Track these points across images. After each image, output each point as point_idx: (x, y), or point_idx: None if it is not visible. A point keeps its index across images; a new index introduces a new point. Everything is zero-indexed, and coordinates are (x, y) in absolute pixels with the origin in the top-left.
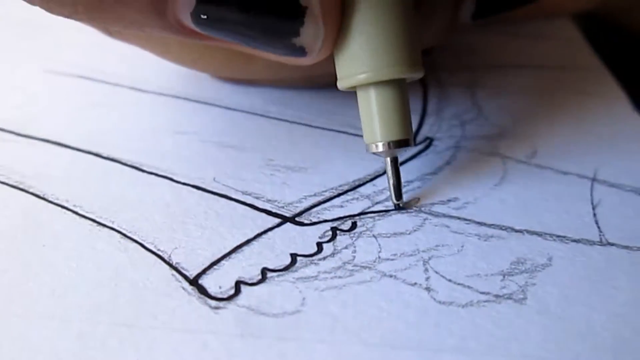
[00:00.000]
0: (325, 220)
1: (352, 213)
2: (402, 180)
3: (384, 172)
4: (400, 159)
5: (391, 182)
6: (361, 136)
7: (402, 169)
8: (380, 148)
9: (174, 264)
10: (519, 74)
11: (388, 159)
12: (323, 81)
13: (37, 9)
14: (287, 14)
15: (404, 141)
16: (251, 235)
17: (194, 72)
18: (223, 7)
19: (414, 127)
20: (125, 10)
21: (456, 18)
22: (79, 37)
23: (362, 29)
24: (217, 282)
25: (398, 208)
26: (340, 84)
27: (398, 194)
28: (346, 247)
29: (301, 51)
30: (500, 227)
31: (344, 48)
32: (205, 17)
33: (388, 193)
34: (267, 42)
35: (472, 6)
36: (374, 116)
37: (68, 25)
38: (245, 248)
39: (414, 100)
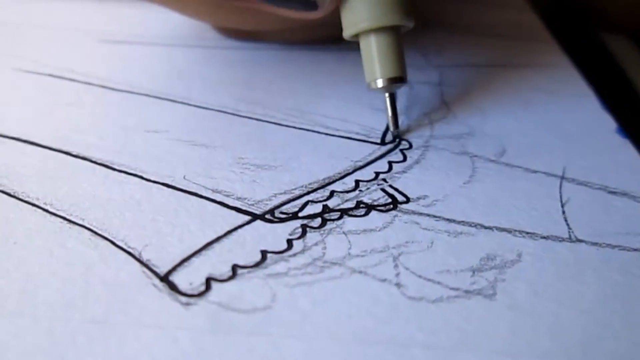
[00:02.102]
0: (295, 218)
1: (321, 210)
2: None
3: (354, 171)
4: (363, 160)
5: (389, 114)
6: (331, 135)
7: (372, 167)
8: (380, 84)
9: (144, 260)
10: (487, 73)
11: (386, 95)
12: (323, 33)
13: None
14: None
15: (400, 78)
16: (221, 233)
17: (163, 69)
18: None
19: (382, 127)
20: None
21: None
22: (48, 35)
23: None
24: (188, 278)
25: (396, 137)
26: (346, 33)
27: (395, 124)
28: (316, 244)
29: (313, 5)
30: (470, 224)
31: (349, 2)
32: None
33: (357, 191)
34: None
35: None
36: (374, 58)
37: (37, 23)
38: (215, 245)
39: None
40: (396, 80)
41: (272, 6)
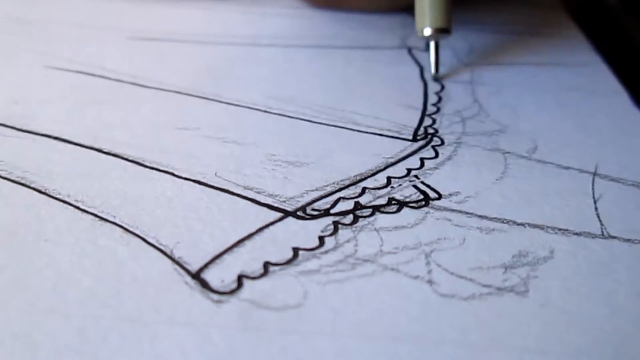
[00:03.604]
0: (327, 214)
1: (353, 207)
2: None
3: (385, 167)
4: (395, 157)
5: (432, 60)
6: (362, 132)
7: (403, 164)
8: (428, 33)
9: (176, 258)
10: (519, 72)
11: (432, 42)
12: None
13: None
14: None
15: (445, 30)
16: (253, 230)
17: (194, 66)
18: None
19: (415, 123)
20: None
21: None
22: (79, 33)
23: None
24: (220, 276)
25: (436, 79)
26: None
27: (436, 68)
28: (348, 241)
29: None
30: (502, 221)
31: None
32: None
33: (389, 188)
34: None
35: None
36: (426, 10)
37: (68, 22)
38: (247, 242)
39: (415, 97)
40: (442, 31)
41: None
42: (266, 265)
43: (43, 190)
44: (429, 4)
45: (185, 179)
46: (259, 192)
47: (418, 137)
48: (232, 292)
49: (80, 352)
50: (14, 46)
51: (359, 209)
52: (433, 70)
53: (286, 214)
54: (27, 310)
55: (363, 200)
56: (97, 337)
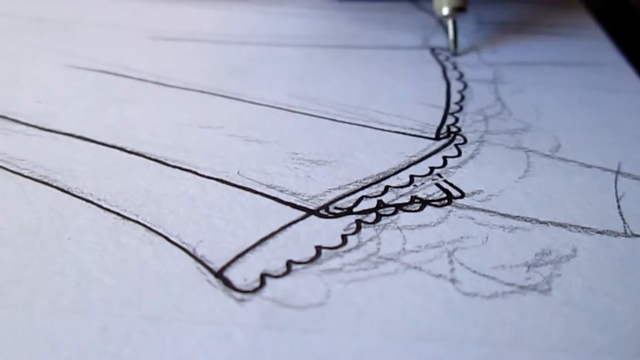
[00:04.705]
0: (350, 213)
1: (376, 206)
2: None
3: (408, 166)
4: (418, 156)
5: (451, 37)
6: (385, 130)
7: (426, 162)
8: (446, 12)
9: (198, 256)
10: (541, 71)
11: (450, 20)
12: None
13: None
14: None
15: (462, 8)
16: (276, 228)
17: (217, 65)
18: None
19: (438, 121)
20: None
21: None
22: (101, 33)
23: None
24: (242, 274)
25: (455, 55)
26: None
27: (455, 45)
28: (371, 240)
29: None
30: (525, 219)
31: None
32: None
33: (412, 186)
34: None
35: None
36: None
37: (90, 21)
38: (269, 241)
39: (438, 96)
40: (458, 10)
41: None
42: (289, 263)
43: (66, 189)
44: None
45: (208, 177)
46: (281, 191)
47: (441, 136)
48: (254, 290)
49: (103, 350)
50: (37, 46)
51: (381, 208)
52: (451, 47)
53: (309, 212)
54: (49, 308)
55: (386, 198)
56: (120, 336)
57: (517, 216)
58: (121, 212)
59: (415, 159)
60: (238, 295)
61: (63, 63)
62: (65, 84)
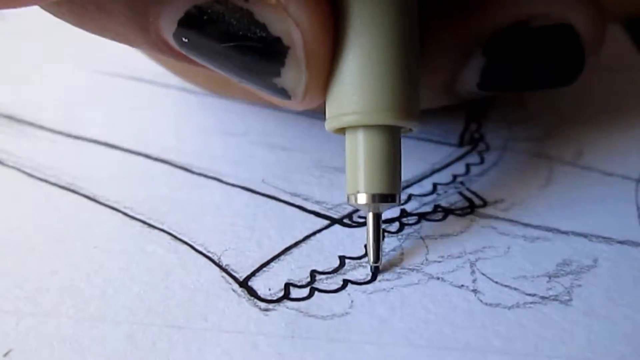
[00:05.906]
0: None
1: (399, 215)
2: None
3: (431, 173)
4: (441, 163)
5: (371, 241)
6: (410, 137)
7: (449, 169)
8: (363, 200)
9: (224, 265)
10: None
11: (370, 214)
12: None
13: None
14: (267, 52)
15: (390, 196)
16: (300, 237)
17: None
18: (203, 35)
19: (460, 128)
20: (108, 21)
21: (456, 84)
22: None
23: (355, 66)
24: (267, 284)
25: (375, 270)
26: (328, 125)
27: (376, 255)
28: (394, 249)
29: (284, 93)
30: (546, 229)
31: (334, 85)
32: (186, 40)
33: (434, 195)
34: (248, 78)
35: (475, 76)
36: (360, 164)
37: None
38: (294, 250)
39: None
40: (385, 199)
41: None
42: (313, 273)
43: (92, 197)
44: (366, 155)
45: (233, 185)
46: (305, 199)
47: (464, 143)
48: (279, 300)
49: (129, 358)
50: (62, 51)
51: (404, 217)
52: (370, 258)
53: (333, 221)
54: (76, 316)
55: (409, 207)
56: (146, 344)
57: (538, 226)
58: (146, 220)
59: (438, 166)
60: (263, 304)
61: (88, 68)
62: (90, 89)
